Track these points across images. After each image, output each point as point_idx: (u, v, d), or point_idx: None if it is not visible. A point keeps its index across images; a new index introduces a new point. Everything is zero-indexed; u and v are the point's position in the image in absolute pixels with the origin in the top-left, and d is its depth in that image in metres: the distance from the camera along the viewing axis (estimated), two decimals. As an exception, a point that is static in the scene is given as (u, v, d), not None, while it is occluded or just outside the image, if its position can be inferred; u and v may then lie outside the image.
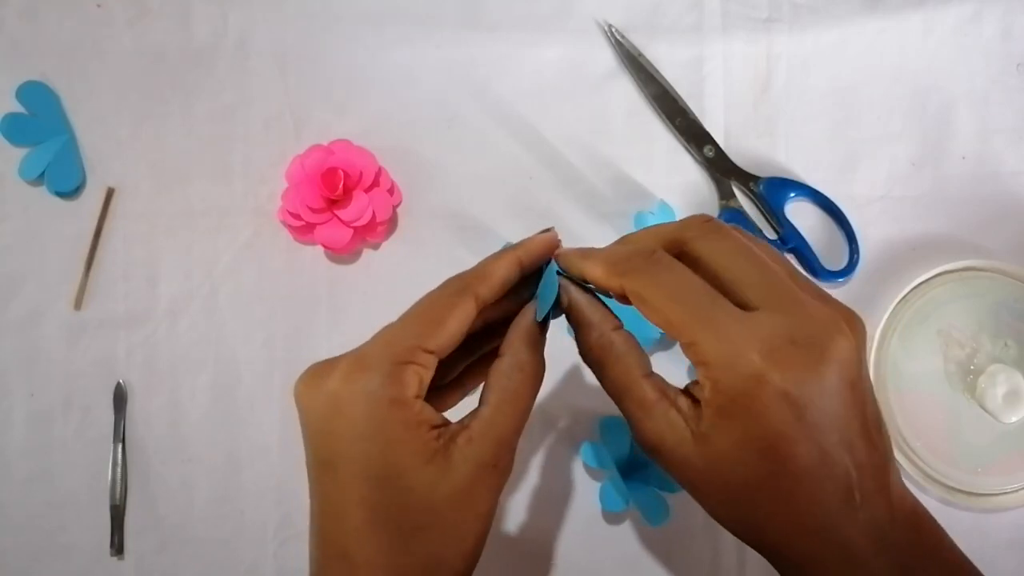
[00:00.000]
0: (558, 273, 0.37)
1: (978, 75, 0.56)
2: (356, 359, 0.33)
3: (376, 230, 0.54)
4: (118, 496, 0.53)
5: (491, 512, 0.35)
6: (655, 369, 0.36)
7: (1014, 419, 0.52)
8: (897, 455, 0.52)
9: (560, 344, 0.54)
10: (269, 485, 0.53)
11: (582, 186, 0.56)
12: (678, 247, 0.35)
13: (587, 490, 0.53)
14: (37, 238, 0.54)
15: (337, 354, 0.35)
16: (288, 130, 0.55)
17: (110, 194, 0.55)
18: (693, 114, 0.55)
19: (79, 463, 0.53)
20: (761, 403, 0.31)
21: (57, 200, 0.55)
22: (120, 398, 0.54)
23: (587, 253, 0.36)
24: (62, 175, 0.54)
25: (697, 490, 0.35)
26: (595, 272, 0.35)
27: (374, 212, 0.52)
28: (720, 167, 0.55)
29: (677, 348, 0.54)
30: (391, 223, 0.55)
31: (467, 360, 0.39)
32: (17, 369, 0.54)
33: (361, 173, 0.52)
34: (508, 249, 0.37)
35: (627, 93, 0.56)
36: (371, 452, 0.32)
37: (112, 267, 0.54)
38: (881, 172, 0.56)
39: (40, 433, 0.53)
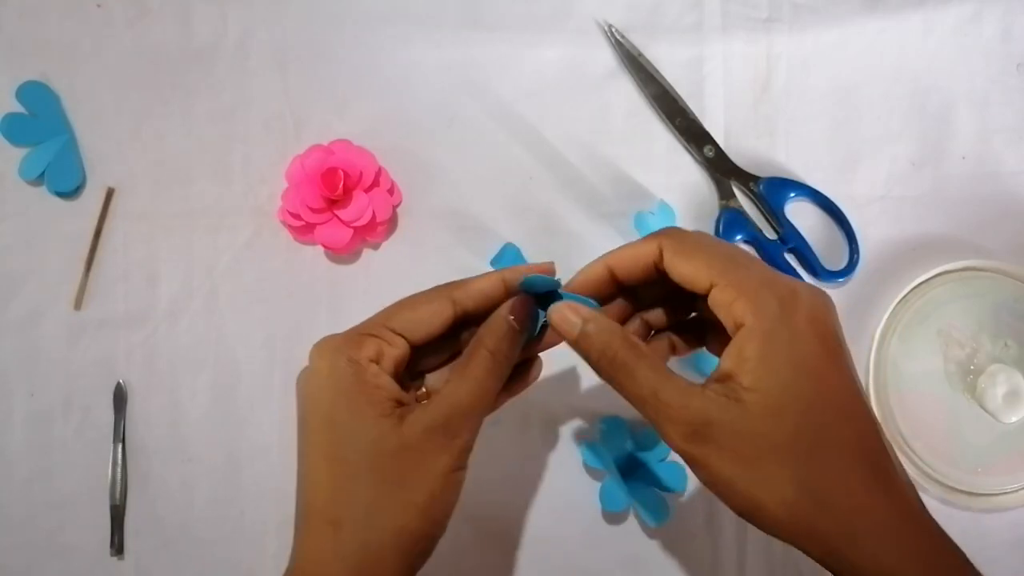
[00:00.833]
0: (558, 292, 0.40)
1: (978, 75, 0.57)
2: (330, 336, 0.38)
3: (376, 230, 0.54)
4: (118, 496, 0.53)
5: (445, 476, 0.37)
6: None
7: (1014, 419, 0.52)
8: (897, 455, 0.52)
9: (560, 344, 0.54)
10: (269, 485, 0.53)
11: (582, 186, 0.56)
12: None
13: (587, 490, 0.53)
14: (37, 238, 0.54)
15: None
16: (288, 130, 0.55)
17: (110, 194, 0.55)
18: (693, 114, 0.55)
19: (79, 463, 0.53)
20: (797, 321, 0.35)
21: (57, 200, 0.55)
22: (120, 398, 0.54)
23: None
24: (62, 175, 0.54)
25: (755, 456, 0.35)
26: (633, 249, 0.38)
27: (374, 212, 0.52)
28: (720, 167, 0.55)
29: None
30: (391, 223, 0.55)
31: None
32: (17, 369, 0.54)
33: (361, 173, 0.52)
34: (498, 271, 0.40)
35: (627, 93, 0.56)
36: (330, 403, 0.36)
37: (112, 267, 0.54)
38: (881, 172, 0.56)
39: (40, 433, 0.53)
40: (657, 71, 0.55)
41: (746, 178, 0.55)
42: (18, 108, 0.54)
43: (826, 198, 0.55)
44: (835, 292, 0.55)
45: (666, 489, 0.53)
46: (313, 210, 0.52)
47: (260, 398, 0.54)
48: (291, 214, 0.52)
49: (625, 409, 0.54)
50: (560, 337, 0.39)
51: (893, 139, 0.56)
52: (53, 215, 0.54)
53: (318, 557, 0.36)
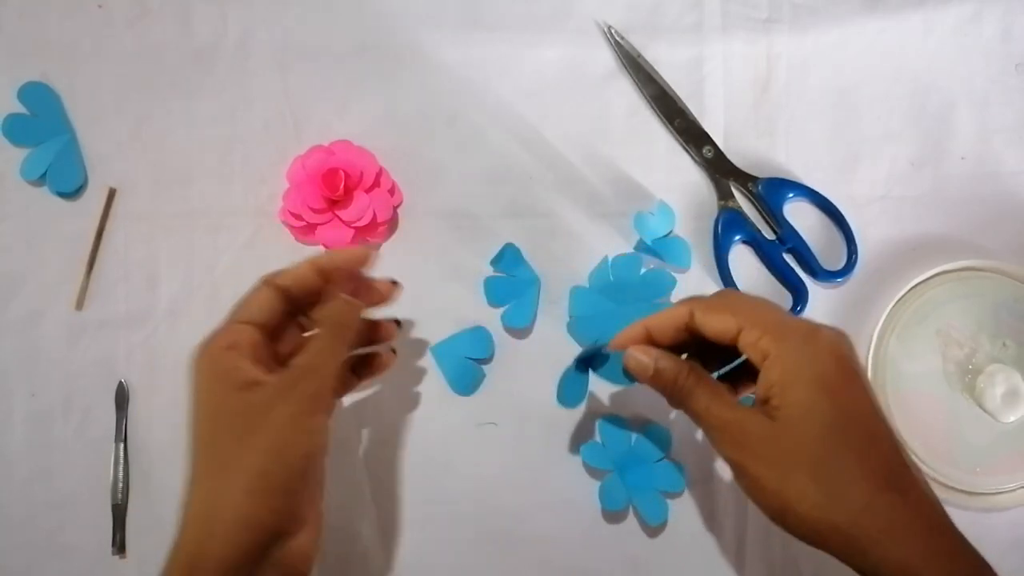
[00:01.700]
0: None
1: (978, 75, 0.57)
2: (206, 337, 0.44)
3: (377, 230, 0.54)
4: (119, 496, 0.53)
5: (292, 419, 0.41)
6: None
7: (1012, 419, 0.52)
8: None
9: (560, 345, 0.54)
10: (270, 485, 0.53)
11: (582, 186, 0.56)
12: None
13: (587, 490, 0.53)
14: (38, 238, 0.54)
15: None
16: (289, 130, 0.55)
17: (111, 194, 0.55)
18: (692, 115, 0.55)
19: (80, 463, 0.53)
20: (817, 349, 0.40)
21: (58, 200, 0.55)
22: (121, 398, 0.54)
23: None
24: (63, 175, 0.54)
25: (783, 462, 0.40)
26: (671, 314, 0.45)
27: (375, 212, 0.52)
28: (719, 168, 0.55)
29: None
30: (392, 223, 0.55)
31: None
32: (18, 369, 0.54)
33: (362, 173, 0.52)
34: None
35: (627, 94, 0.56)
36: (197, 386, 0.43)
37: (113, 267, 0.54)
38: (881, 172, 0.56)
39: (41, 433, 0.53)
40: (656, 72, 0.55)
41: (745, 178, 0.55)
42: (19, 108, 0.54)
43: (824, 198, 0.55)
44: (834, 292, 0.55)
45: (666, 489, 0.53)
46: (314, 210, 0.52)
47: (261, 398, 0.54)
48: (292, 214, 0.53)
49: (625, 409, 0.54)
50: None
51: (893, 139, 0.56)
52: (54, 215, 0.54)
53: (199, 509, 0.42)
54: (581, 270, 0.55)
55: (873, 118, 0.56)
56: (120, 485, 0.53)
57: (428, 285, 0.55)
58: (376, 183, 0.53)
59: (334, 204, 0.53)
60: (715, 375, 0.46)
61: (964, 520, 0.53)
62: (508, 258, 0.54)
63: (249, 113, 0.55)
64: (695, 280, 0.55)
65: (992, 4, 0.57)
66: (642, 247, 0.54)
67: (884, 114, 0.56)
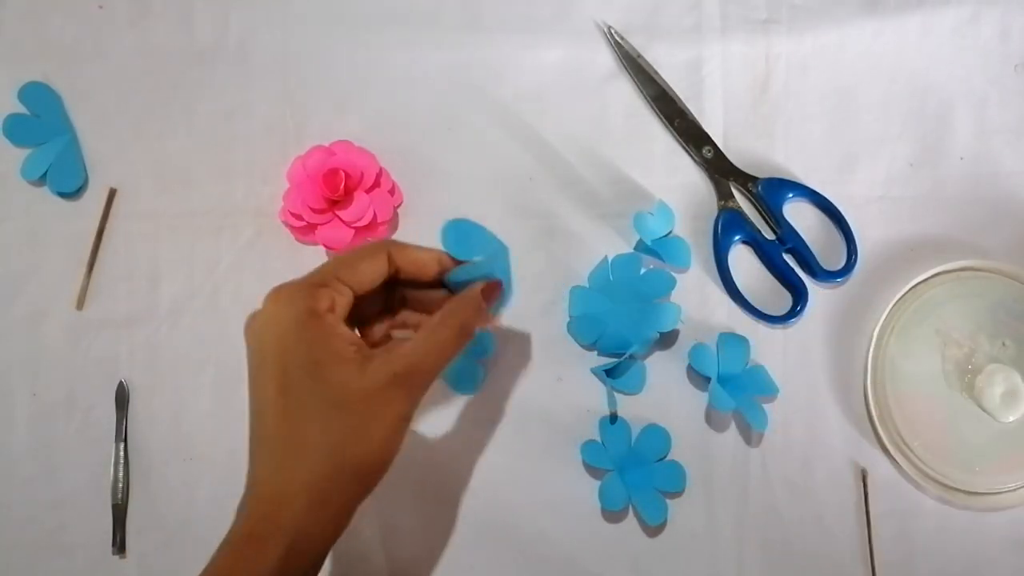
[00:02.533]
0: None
1: (976, 76, 0.57)
2: (281, 286, 0.40)
3: (377, 231, 0.54)
4: (120, 495, 0.53)
5: (402, 420, 0.40)
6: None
7: (1012, 418, 0.52)
8: (895, 454, 0.53)
9: (560, 345, 0.54)
10: (270, 484, 0.53)
11: (582, 186, 0.56)
12: None
13: (587, 490, 0.53)
14: (39, 238, 0.54)
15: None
16: (289, 131, 0.55)
17: (112, 194, 0.55)
18: (692, 115, 0.56)
19: (81, 462, 0.53)
20: None
21: (59, 200, 0.55)
22: (122, 397, 0.54)
23: None
24: (64, 175, 0.54)
25: None
26: None
27: (375, 213, 0.53)
28: (719, 168, 0.55)
29: (676, 348, 0.54)
30: (392, 224, 0.55)
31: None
32: (20, 369, 0.54)
33: (362, 174, 0.53)
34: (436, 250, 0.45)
35: (626, 94, 0.56)
36: (293, 350, 0.39)
37: (114, 267, 0.55)
38: (879, 173, 0.56)
39: (42, 432, 0.53)
40: (656, 72, 0.56)
41: (745, 178, 0.55)
42: (20, 109, 0.55)
43: (824, 198, 0.55)
44: (833, 292, 0.55)
45: (666, 489, 0.53)
46: (314, 210, 0.52)
47: (261, 398, 0.54)
48: (293, 214, 0.53)
49: (626, 409, 0.54)
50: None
51: (891, 140, 0.56)
52: (55, 215, 0.55)
53: (278, 479, 0.39)
54: (581, 270, 0.55)
55: (872, 119, 0.56)
56: (120, 485, 0.53)
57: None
58: (376, 183, 0.53)
59: (334, 204, 0.53)
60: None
61: (963, 519, 0.54)
62: (452, 237, 0.47)
63: (250, 113, 0.56)
64: (695, 280, 0.55)
65: (990, 5, 0.57)
66: (642, 247, 0.54)
67: (883, 115, 0.56)
